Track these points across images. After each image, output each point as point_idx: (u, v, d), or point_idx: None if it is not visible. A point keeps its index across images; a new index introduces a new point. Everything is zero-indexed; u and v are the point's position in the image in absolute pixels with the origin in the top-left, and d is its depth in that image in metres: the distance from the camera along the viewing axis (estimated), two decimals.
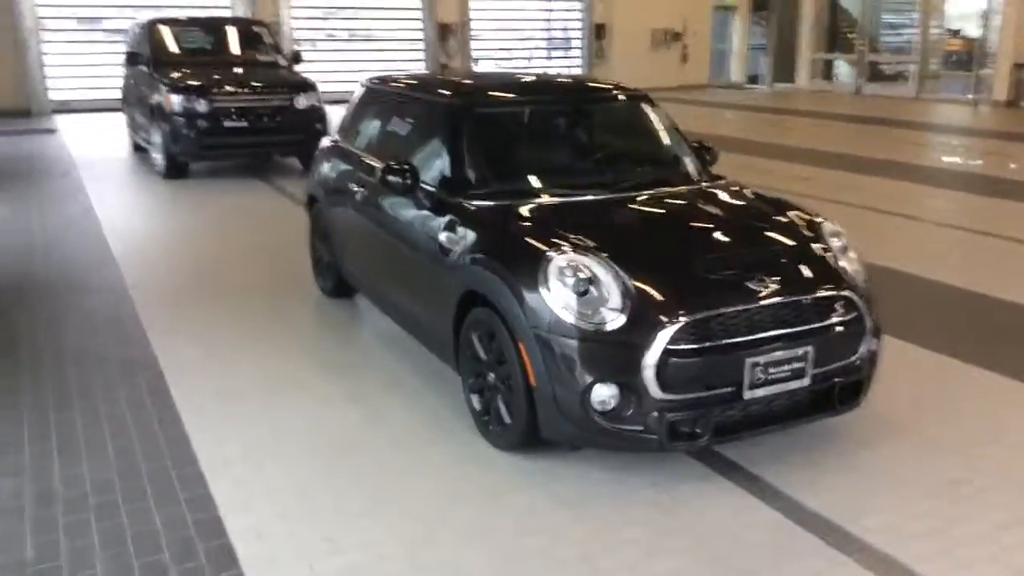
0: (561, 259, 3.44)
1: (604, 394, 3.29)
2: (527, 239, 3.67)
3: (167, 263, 6.73)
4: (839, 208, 7.97)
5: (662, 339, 3.25)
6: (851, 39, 23.49)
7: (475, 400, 3.87)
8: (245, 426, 3.96)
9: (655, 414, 3.29)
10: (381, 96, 5.30)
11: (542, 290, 3.38)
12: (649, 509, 3.30)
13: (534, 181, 4.27)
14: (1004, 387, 4.41)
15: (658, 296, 3.36)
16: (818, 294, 3.56)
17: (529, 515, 3.26)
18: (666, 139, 4.76)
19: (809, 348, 3.47)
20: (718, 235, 3.91)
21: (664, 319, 3.28)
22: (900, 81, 22.67)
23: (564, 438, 3.50)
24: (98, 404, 4.16)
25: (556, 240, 3.56)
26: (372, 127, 5.25)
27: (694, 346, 3.31)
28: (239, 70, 10.72)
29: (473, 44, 21.49)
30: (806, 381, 3.51)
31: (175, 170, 10.07)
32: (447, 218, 4.03)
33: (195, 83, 9.95)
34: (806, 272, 3.65)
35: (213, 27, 11.61)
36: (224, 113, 9.88)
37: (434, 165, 4.32)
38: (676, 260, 3.58)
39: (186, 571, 2.91)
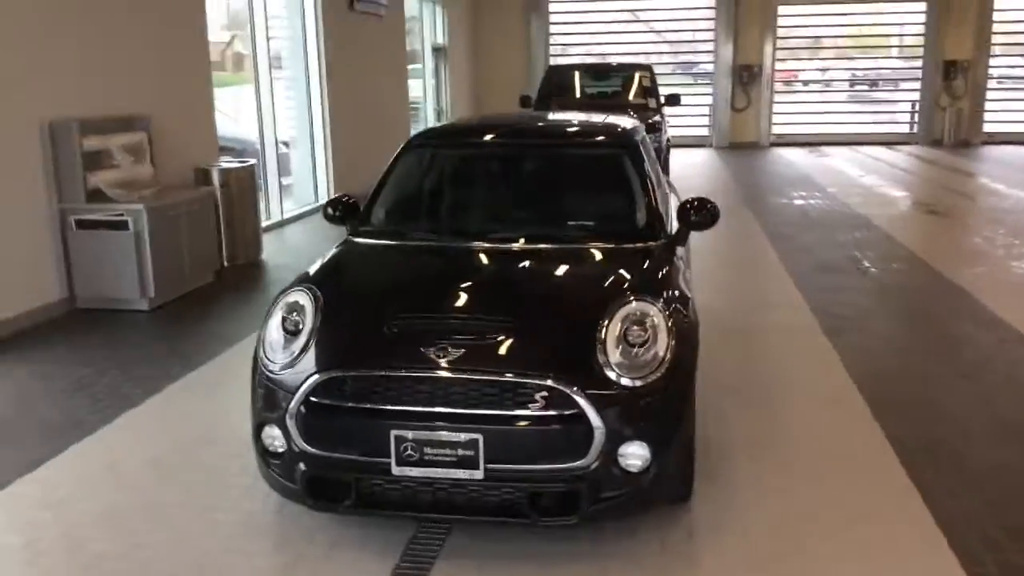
0: (290, 296, 3.51)
1: (270, 436, 3.30)
2: (308, 276, 3.76)
3: None
4: None
5: (304, 389, 3.16)
6: None
7: None
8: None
9: (301, 466, 3.21)
10: None
11: (265, 323, 3.51)
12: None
13: (425, 224, 4.27)
14: None
15: (327, 346, 3.26)
16: (502, 378, 3.04)
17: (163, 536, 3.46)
18: (620, 195, 4.27)
19: (478, 437, 3.00)
20: (480, 297, 3.51)
21: (314, 369, 3.18)
22: None
23: (263, 475, 3.52)
24: None
25: (316, 282, 3.62)
26: None
27: (332, 402, 3.14)
28: (594, 111, 11.33)
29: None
30: (478, 474, 3.04)
31: None
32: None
33: None
34: (519, 353, 3.12)
35: (598, 71, 12.48)
36: None
37: None
38: (385, 314, 3.34)
39: None
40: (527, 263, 3.83)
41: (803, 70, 20.20)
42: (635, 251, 3.87)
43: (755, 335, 5.90)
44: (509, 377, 3.04)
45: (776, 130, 19.71)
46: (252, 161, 8.71)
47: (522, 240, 3.95)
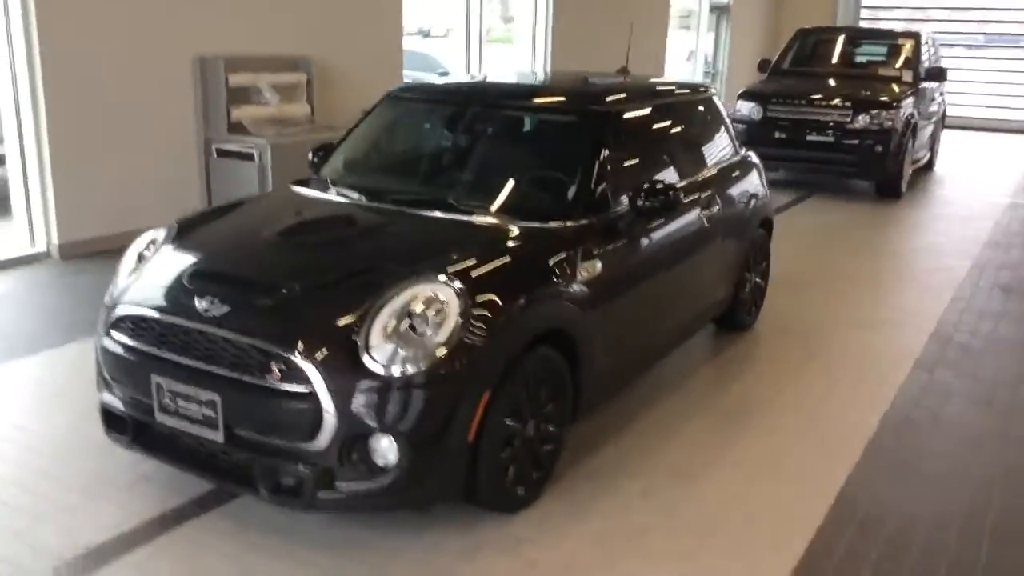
0: (154, 231, 3.56)
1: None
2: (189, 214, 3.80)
3: None
4: None
5: (107, 320, 3.21)
6: None
7: None
8: None
9: (104, 394, 3.27)
10: None
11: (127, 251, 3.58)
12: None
13: (349, 179, 4.08)
14: None
15: (137, 282, 3.26)
16: (238, 338, 2.84)
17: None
18: (557, 168, 3.80)
19: (216, 397, 2.86)
20: (293, 258, 3.38)
21: (116, 304, 3.21)
22: None
23: None
24: None
25: (184, 220, 3.67)
26: None
27: (121, 338, 3.15)
28: (834, 82, 10.09)
29: None
30: (219, 436, 2.89)
31: None
32: None
33: (759, 91, 9.91)
34: (276, 319, 2.90)
35: (851, 38, 10.98)
36: (775, 123, 9.59)
37: None
38: (198, 261, 3.28)
39: None
40: (386, 230, 3.56)
41: None
42: (519, 232, 3.40)
43: (825, 352, 4.95)
44: (245, 340, 2.84)
45: None
46: None
47: (414, 206, 3.65)
